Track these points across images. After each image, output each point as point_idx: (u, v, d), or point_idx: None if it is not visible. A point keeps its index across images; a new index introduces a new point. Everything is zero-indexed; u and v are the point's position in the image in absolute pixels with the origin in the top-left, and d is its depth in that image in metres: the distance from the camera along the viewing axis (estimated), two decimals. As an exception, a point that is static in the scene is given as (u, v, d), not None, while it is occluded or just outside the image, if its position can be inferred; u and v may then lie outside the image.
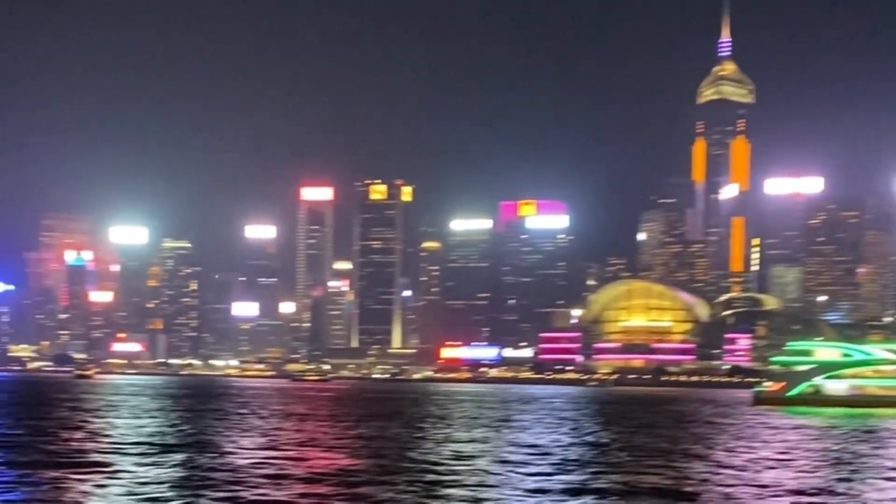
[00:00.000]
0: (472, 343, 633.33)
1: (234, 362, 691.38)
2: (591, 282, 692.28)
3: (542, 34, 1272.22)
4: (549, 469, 63.22)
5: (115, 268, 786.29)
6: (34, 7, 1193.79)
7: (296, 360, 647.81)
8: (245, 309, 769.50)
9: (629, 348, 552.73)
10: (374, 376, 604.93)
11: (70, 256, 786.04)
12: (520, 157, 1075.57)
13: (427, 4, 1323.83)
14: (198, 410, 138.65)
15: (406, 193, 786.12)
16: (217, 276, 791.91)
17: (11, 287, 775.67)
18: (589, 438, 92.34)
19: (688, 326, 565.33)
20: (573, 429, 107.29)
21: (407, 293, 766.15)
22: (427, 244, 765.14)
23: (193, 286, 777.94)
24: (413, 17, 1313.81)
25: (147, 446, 74.06)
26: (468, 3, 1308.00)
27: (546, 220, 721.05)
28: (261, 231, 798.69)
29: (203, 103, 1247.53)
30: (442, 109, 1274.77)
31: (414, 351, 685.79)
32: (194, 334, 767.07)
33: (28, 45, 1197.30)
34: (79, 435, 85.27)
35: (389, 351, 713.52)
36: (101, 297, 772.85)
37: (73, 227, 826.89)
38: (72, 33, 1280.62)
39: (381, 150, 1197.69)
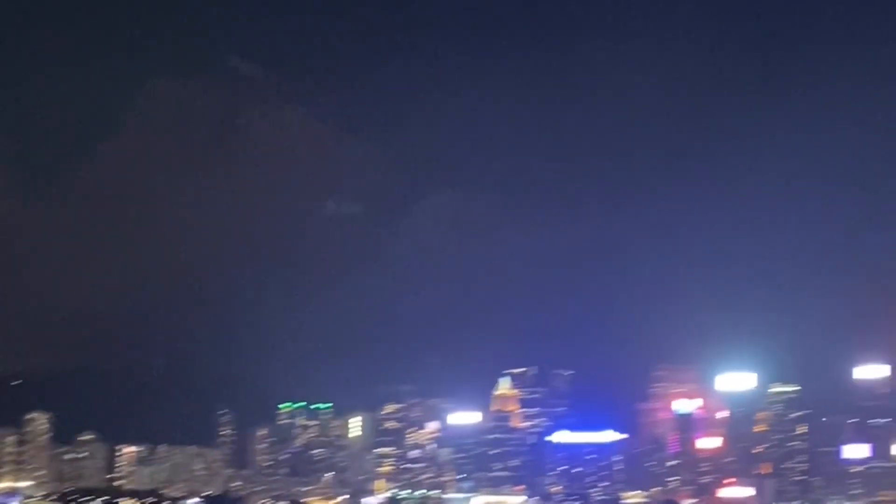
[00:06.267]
0: None
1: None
2: None
3: None
4: None
5: (723, 414, 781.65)
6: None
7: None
8: (856, 451, 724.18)
9: None
10: None
11: (678, 405, 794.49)
12: None
13: None
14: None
15: None
16: (825, 419, 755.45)
17: (624, 436, 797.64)
18: None
19: None
20: None
21: None
22: None
23: (802, 429, 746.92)
24: None
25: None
26: None
27: None
28: (871, 371, 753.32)
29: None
30: None
31: None
32: (803, 478, 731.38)
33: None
34: None
35: None
36: (708, 443, 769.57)
37: (682, 376, 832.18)
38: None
39: None
